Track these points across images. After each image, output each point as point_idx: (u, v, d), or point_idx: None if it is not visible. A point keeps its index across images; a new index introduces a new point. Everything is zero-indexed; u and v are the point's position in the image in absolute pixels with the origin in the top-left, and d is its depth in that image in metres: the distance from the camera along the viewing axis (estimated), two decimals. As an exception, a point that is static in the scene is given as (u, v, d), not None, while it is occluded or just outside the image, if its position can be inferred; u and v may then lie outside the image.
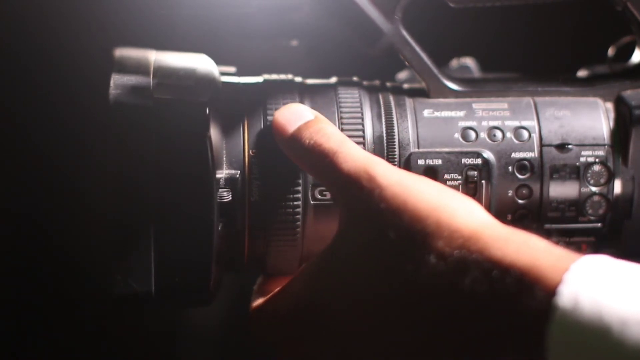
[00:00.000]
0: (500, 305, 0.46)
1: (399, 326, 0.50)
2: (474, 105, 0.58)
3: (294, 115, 0.56)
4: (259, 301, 0.57)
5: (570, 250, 0.47)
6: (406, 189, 0.50)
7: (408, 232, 0.49)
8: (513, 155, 0.57)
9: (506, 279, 0.46)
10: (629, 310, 0.42)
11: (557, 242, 0.47)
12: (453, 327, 0.48)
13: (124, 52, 0.58)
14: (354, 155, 0.53)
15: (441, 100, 0.59)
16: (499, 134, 0.58)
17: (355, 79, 0.61)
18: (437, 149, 0.57)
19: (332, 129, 0.55)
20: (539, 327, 0.44)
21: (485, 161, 0.57)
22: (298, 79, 0.61)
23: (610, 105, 0.59)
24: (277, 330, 0.55)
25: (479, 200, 0.57)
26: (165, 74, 0.56)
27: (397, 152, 0.57)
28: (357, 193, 0.51)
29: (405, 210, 0.50)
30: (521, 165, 0.57)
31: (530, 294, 0.44)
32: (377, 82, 0.61)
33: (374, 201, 0.50)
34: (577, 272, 0.44)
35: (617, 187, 0.58)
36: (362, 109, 0.58)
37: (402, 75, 0.66)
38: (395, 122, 0.58)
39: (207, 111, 0.53)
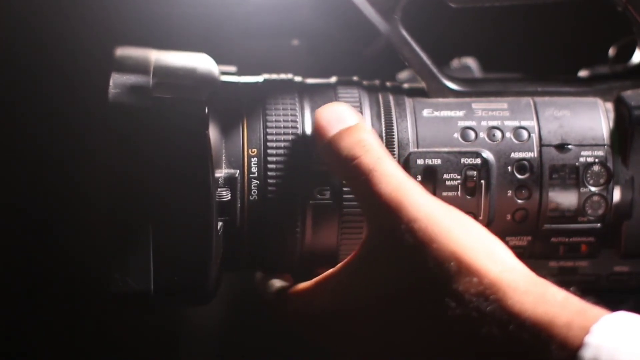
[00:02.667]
0: None
1: (408, 354, 0.50)
2: (474, 105, 0.58)
3: (335, 117, 0.55)
4: (280, 292, 0.57)
5: (588, 300, 0.47)
6: (433, 226, 0.50)
7: (429, 272, 0.49)
8: (512, 155, 0.57)
9: (523, 334, 0.46)
10: None
11: (575, 292, 0.48)
12: None
13: (124, 52, 0.58)
14: (389, 178, 0.52)
15: (440, 100, 0.59)
16: (498, 134, 0.58)
17: (355, 78, 0.61)
18: (437, 149, 0.57)
19: (372, 139, 0.54)
20: None
21: (485, 161, 0.57)
22: (298, 79, 0.61)
23: (610, 106, 0.59)
24: (307, 327, 0.55)
25: (478, 200, 0.57)
26: (165, 73, 0.56)
27: (396, 152, 0.57)
28: (385, 220, 0.51)
29: (429, 250, 0.49)
30: (520, 165, 0.57)
31: (548, 353, 0.44)
32: (376, 82, 0.61)
33: (400, 233, 0.50)
34: (598, 335, 0.44)
35: (617, 187, 0.58)
36: (361, 108, 0.58)
37: (403, 75, 0.66)
38: (394, 121, 0.58)
39: (207, 110, 0.53)
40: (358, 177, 0.52)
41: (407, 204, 0.51)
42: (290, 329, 0.56)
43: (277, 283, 0.58)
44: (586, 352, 0.43)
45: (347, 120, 0.55)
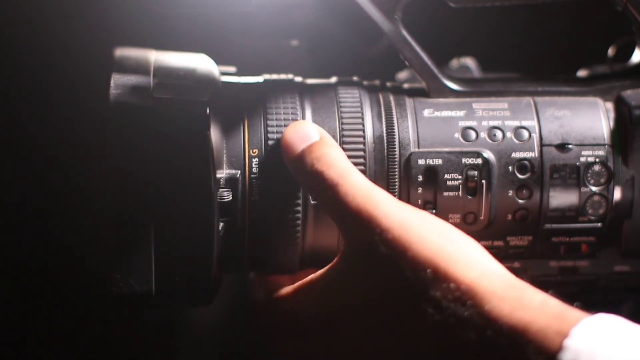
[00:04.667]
0: None
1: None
2: (474, 105, 0.58)
3: (299, 136, 0.55)
4: (263, 295, 0.57)
5: (566, 302, 0.47)
6: (407, 233, 0.50)
7: (406, 280, 0.49)
8: (513, 155, 0.57)
9: (500, 339, 0.46)
10: None
11: (554, 294, 0.48)
12: None
13: (123, 52, 0.58)
14: (355, 190, 0.52)
15: (441, 100, 0.59)
16: (499, 133, 0.58)
17: (355, 78, 0.61)
18: (438, 149, 0.57)
19: (336, 154, 0.54)
20: None
21: (486, 161, 0.57)
22: (298, 79, 0.61)
23: (610, 105, 0.59)
24: (278, 331, 0.55)
25: (479, 200, 0.57)
26: (165, 74, 0.56)
27: (397, 152, 0.57)
28: (358, 232, 0.51)
29: (404, 258, 0.49)
30: (521, 165, 0.57)
31: (525, 358, 0.44)
32: (377, 82, 0.61)
33: (374, 244, 0.50)
34: (577, 338, 0.44)
35: (617, 187, 0.58)
36: (362, 108, 0.58)
37: (402, 75, 0.66)
38: (395, 121, 0.58)
39: (208, 110, 0.53)
40: (324, 191, 0.53)
41: (378, 214, 0.51)
42: (273, 333, 0.56)
43: (268, 285, 0.57)
44: (565, 356, 0.43)
45: (311, 136, 0.55)
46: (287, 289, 0.56)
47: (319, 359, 0.54)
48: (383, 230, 0.50)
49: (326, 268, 0.54)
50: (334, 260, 0.53)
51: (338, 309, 0.52)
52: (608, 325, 0.45)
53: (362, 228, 0.51)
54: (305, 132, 0.55)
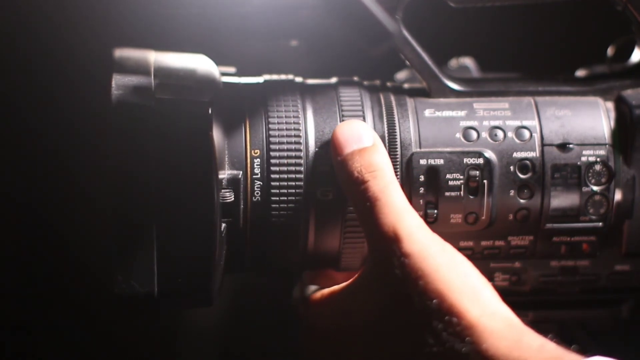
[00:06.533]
0: None
1: None
2: (475, 105, 0.58)
3: (352, 136, 0.56)
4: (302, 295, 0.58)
5: (562, 346, 0.47)
6: (424, 262, 0.51)
7: (413, 307, 0.50)
8: (514, 155, 0.57)
9: None
10: None
11: (552, 339, 0.48)
12: None
13: (123, 53, 0.58)
14: (391, 208, 0.53)
15: (442, 100, 0.59)
16: (500, 133, 0.58)
17: (355, 79, 0.61)
18: (439, 149, 0.57)
19: (384, 163, 0.55)
20: None
21: (487, 161, 0.57)
22: (299, 79, 0.61)
23: (610, 105, 0.59)
24: (313, 337, 0.57)
25: (481, 200, 0.57)
26: (166, 75, 0.56)
27: (399, 152, 0.57)
28: (382, 250, 0.52)
29: (416, 285, 0.50)
30: (522, 165, 0.57)
31: None
32: (377, 82, 0.61)
33: (392, 266, 0.51)
34: None
35: (618, 186, 0.58)
36: (363, 108, 0.58)
37: (402, 75, 0.66)
38: (396, 122, 0.58)
39: (210, 111, 0.53)
40: (364, 202, 0.53)
41: (404, 237, 0.52)
42: (303, 338, 0.57)
43: (310, 288, 0.58)
44: None
45: (364, 140, 0.55)
46: (316, 295, 0.56)
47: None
48: (402, 254, 0.51)
49: (349, 281, 0.54)
50: (357, 273, 0.54)
51: (353, 322, 0.53)
52: None
53: (386, 247, 0.52)
54: (360, 133, 0.56)
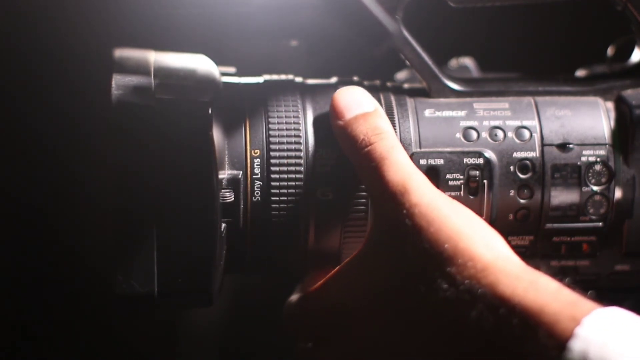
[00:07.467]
0: (504, 345, 0.46)
1: (406, 343, 0.50)
2: (475, 105, 0.58)
3: (353, 101, 0.56)
4: (296, 296, 0.57)
5: (578, 291, 0.47)
6: (434, 211, 0.51)
7: (425, 253, 0.50)
8: (514, 155, 0.57)
9: (512, 318, 0.46)
10: None
11: (568, 284, 0.48)
12: (454, 356, 0.48)
13: (123, 53, 0.58)
14: (398, 166, 0.53)
15: (442, 100, 0.59)
16: (500, 133, 0.58)
17: (355, 78, 0.61)
18: (439, 149, 0.57)
19: (387, 127, 0.55)
20: None
21: (487, 161, 0.57)
22: (299, 79, 0.61)
23: (610, 105, 0.59)
24: (308, 327, 0.56)
25: (481, 200, 0.57)
26: (166, 75, 0.56)
27: (399, 152, 0.57)
28: (389, 206, 0.52)
29: (427, 232, 0.50)
30: (523, 165, 0.57)
31: (536, 340, 0.44)
32: (377, 82, 0.61)
33: (402, 216, 0.51)
34: (588, 327, 0.44)
35: (618, 186, 0.58)
36: (363, 109, 0.58)
37: (401, 75, 0.66)
38: (396, 121, 0.58)
39: (210, 111, 0.53)
40: (369, 163, 0.53)
41: (413, 189, 0.52)
42: (303, 332, 0.56)
43: (293, 297, 0.58)
44: (575, 344, 0.43)
45: (365, 105, 0.56)
46: (315, 285, 0.56)
47: (337, 354, 0.54)
48: (412, 204, 0.51)
49: (350, 257, 0.54)
50: (359, 248, 0.54)
51: (361, 296, 0.52)
52: (620, 318, 0.44)
53: (394, 201, 0.51)
54: (360, 99, 0.56)
